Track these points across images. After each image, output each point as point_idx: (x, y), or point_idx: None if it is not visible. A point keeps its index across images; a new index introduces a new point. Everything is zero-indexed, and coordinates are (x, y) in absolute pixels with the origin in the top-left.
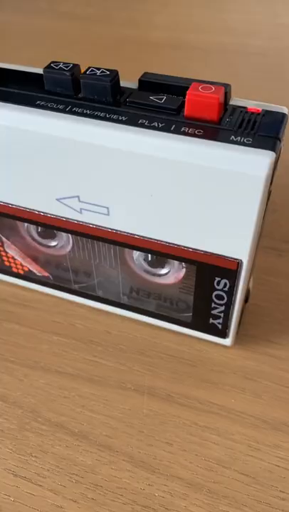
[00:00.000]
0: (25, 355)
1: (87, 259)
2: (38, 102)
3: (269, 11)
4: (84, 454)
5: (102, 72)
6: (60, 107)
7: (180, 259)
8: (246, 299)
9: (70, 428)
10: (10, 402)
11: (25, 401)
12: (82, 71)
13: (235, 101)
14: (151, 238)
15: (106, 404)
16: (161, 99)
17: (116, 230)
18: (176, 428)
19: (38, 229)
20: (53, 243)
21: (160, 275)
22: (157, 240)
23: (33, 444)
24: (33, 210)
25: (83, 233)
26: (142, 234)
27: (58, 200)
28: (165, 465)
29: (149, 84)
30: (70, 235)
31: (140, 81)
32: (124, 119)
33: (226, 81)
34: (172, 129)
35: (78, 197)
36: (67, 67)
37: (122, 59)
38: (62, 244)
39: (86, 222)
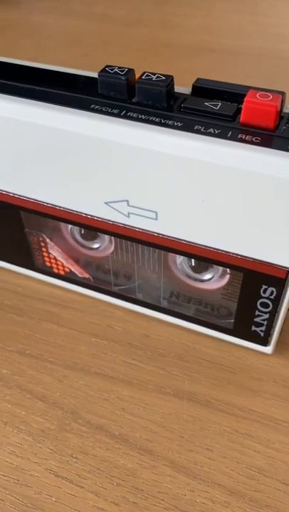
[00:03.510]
0: (64, 355)
1: (130, 262)
2: (92, 106)
3: None
4: (124, 457)
5: (158, 77)
6: (115, 111)
7: (227, 266)
8: None
9: (110, 430)
10: (50, 402)
11: (65, 402)
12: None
13: None
14: (198, 244)
15: (146, 408)
16: (216, 105)
17: (163, 235)
18: (217, 434)
19: (81, 231)
20: (96, 245)
21: (203, 280)
22: (205, 246)
23: (73, 445)
24: (80, 212)
25: (129, 236)
26: (189, 239)
27: (106, 203)
28: (206, 471)
29: (202, 90)
30: (113, 238)
31: (194, 86)
32: (179, 124)
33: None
34: (229, 135)
35: (127, 201)
36: (122, 71)
37: (155, 61)
38: (104, 246)
39: (132, 226)
